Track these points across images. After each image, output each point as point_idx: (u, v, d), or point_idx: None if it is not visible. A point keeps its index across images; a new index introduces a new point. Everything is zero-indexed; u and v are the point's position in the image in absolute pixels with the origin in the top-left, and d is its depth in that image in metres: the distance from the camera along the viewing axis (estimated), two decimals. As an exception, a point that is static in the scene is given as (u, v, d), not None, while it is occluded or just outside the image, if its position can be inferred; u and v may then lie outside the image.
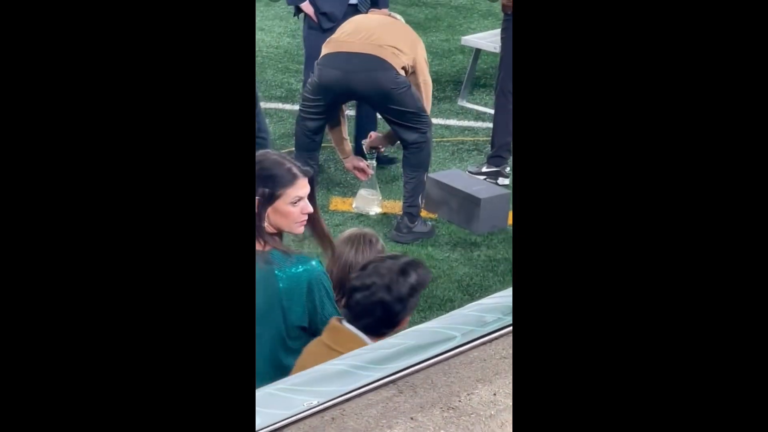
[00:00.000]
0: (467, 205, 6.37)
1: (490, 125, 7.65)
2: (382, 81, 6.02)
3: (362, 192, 6.51)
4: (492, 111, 7.67)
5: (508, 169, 7.00)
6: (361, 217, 6.43)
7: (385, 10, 6.60)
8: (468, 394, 2.50)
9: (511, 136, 6.95)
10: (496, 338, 2.72)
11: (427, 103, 6.23)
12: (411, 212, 6.24)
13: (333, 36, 6.26)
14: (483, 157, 7.24)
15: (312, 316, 3.44)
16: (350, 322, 3.38)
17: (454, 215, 6.45)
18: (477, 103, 8.27)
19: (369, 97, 6.21)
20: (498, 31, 7.56)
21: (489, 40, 8.39)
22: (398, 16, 6.51)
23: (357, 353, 2.77)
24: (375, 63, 6.02)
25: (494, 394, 2.51)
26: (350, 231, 3.90)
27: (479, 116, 8.04)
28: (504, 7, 6.89)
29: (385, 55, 6.03)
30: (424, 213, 6.38)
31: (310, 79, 6.26)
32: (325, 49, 6.21)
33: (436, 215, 6.49)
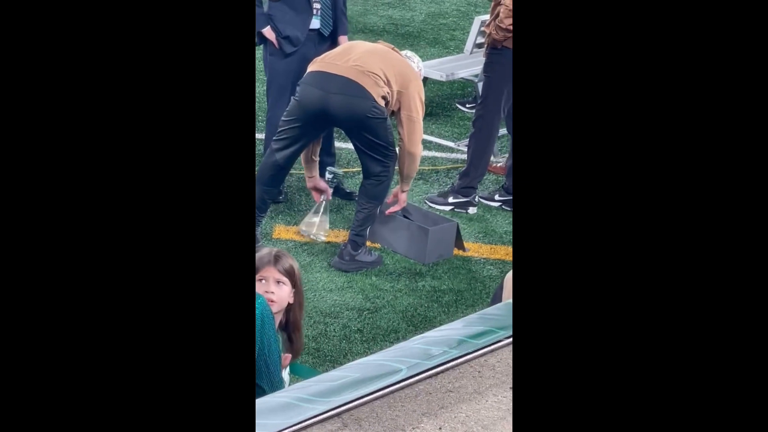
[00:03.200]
0: (415, 234, 6.35)
1: (436, 154, 7.65)
2: (359, 108, 6.00)
3: (312, 218, 6.44)
4: (438, 140, 7.68)
5: (477, 199, 7.02)
6: (305, 245, 6.38)
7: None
8: (413, 428, 2.49)
9: (486, 168, 7.02)
10: (441, 371, 2.72)
11: (410, 141, 6.17)
12: (356, 241, 6.21)
13: (320, 56, 6.25)
14: (428, 186, 7.23)
15: (260, 351, 3.38)
16: None
17: (400, 245, 6.42)
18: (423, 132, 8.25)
19: (343, 122, 6.18)
20: (446, 59, 7.57)
21: (436, 68, 8.41)
22: (413, 56, 6.51)
23: (301, 385, 2.74)
24: (354, 89, 6.00)
25: (440, 428, 2.49)
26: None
27: (426, 145, 8.02)
28: (494, 41, 6.83)
29: (365, 82, 6.01)
30: (368, 243, 6.35)
31: (290, 102, 6.22)
32: (310, 68, 6.21)
33: (380, 245, 6.47)
